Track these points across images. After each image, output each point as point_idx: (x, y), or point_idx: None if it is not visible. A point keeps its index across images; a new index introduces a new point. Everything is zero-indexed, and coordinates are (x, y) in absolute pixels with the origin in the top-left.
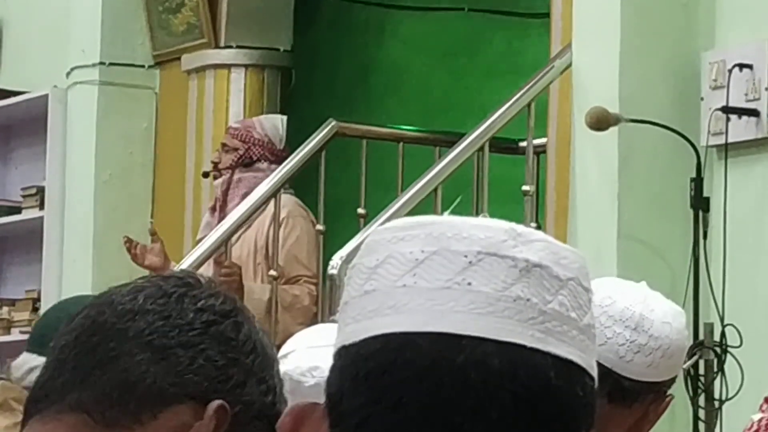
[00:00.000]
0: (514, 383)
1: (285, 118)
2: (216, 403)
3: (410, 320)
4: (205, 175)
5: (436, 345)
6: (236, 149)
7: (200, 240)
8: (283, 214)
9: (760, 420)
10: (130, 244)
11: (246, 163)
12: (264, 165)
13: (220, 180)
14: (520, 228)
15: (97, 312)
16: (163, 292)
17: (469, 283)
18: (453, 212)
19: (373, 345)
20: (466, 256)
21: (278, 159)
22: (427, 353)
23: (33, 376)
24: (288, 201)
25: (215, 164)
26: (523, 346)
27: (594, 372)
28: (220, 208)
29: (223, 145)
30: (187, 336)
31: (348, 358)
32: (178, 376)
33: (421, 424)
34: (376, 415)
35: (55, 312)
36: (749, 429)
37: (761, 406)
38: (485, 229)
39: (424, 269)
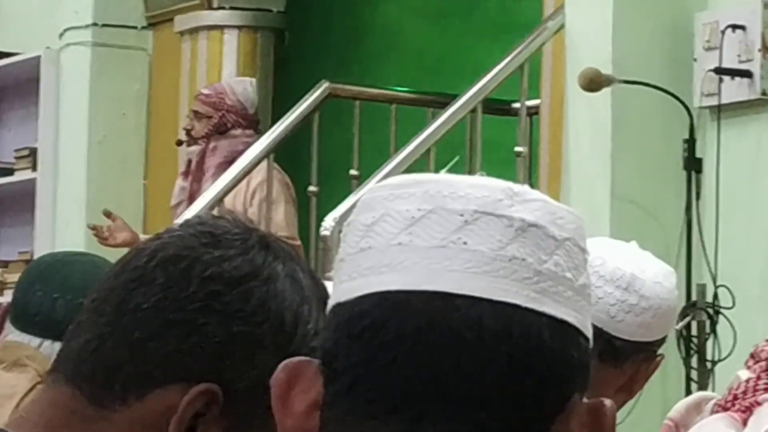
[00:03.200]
0: (509, 343)
1: (254, 80)
2: (196, 389)
3: (405, 279)
4: (179, 143)
5: (431, 304)
6: (209, 117)
7: (177, 205)
8: (258, 178)
9: (748, 380)
10: (97, 231)
11: (221, 130)
12: (238, 131)
13: (194, 148)
14: (516, 187)
15: (117, 271)
16: (178, 256)
17: (465, 242)
18: (449, 172)
19: (368, 303)
20: (461, 215)
21: (250, 124)
22: (422, 312)
23: None
24: (262, 165)
25: (188, 131)
26: (518, 306)
27: (589, 333)
28: (197, 179)
29: (195, 112)
30: (185, 311)
31: (342, 315)
32: (167, 358)
33: (415, 383)
34: (370, 374)
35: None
36: (736, 388)
37: (747, 362)
38: (482, 188)
39: (419, 227)
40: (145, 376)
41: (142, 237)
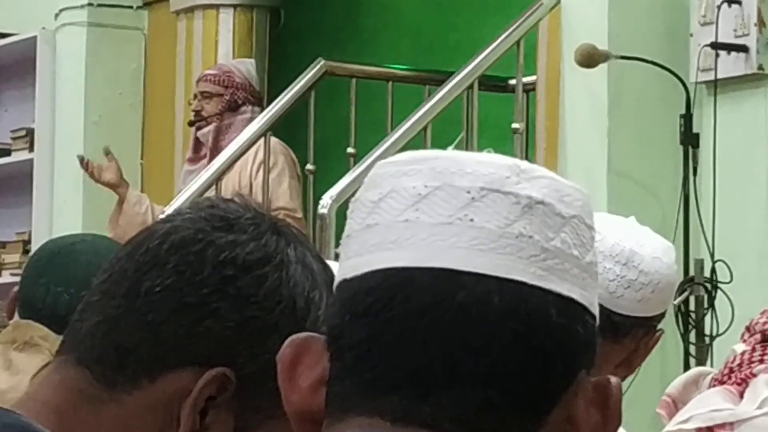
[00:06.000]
0: (515, 321)
1: (253, 61)
2: (210, 373)
3: (411, 255)
4: (191, 123)
5: (437, 281)
6: (220, 95)
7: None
8: (263, 152)
9: (743, 353)
10: (85, 164)
11: (232, 108)
12: (248, 108)
13: (206, 129)
14: (524, 164)
15: (128, 253)
16: (191, 240)
17: (472, 219)
18: (455, 149)
19: (374, 279)
20: (468, 192)
21: (258, 101)
22: (428, 289)
23: None
24: (270, 139)
25: (197, 112)
26: (524, 284)
27: (595, 310)
28: (212, 156)
29: (203, 92)
30: (198, 295)
31: (348, 291)
32: (180, 341)
33: (420, 360)
34: (376, 350)
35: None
36: (732, 362)
37: (742, 335)
38: (489, 165)
39: (426, 204)
40: (157, 359)
41: (132, 192)
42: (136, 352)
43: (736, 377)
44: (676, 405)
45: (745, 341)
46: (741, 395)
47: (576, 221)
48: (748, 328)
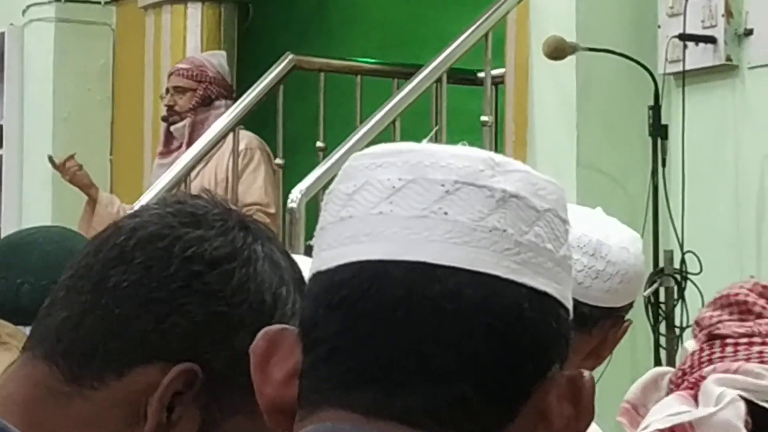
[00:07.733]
0: (488, 314)
1: (225, 53)
2: (177, 368)
3: (385, 248)
4: (165, 119)
5: (411, 274)
6: (193, 90)
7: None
8: (241, 146)
9: (693, 354)
10: (61, 164)
11: (206, 102)
12: (222, 102)
13: (180, 124)
14: (498, 158)
15: (95, 248)
16: (158, 235)
17: (446, 213)
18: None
19: (347, 272)
20: (443, 185)
21: (230, 94)
22: (401, 282)
23: None
24: (245, 134)
25: (170, 107)
26: (498, 277)
27: (569, 304)
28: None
29: (176, 87)
30: (165, 290)
31: (322, 284)
32: (147, 337)
33: (393, 353)
34: (348, 343)
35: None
36: (683, 363)
37: (693, 330)
38: (463, 158)
39: (400, 197)
40: (124, 354)
41: (102, 193)
42: (102, 347)
43: (688, 381)
44: (636, 410)
45: (695, 337)
46: (695, 398)
47: (550, 215)
48: (697, 323)
